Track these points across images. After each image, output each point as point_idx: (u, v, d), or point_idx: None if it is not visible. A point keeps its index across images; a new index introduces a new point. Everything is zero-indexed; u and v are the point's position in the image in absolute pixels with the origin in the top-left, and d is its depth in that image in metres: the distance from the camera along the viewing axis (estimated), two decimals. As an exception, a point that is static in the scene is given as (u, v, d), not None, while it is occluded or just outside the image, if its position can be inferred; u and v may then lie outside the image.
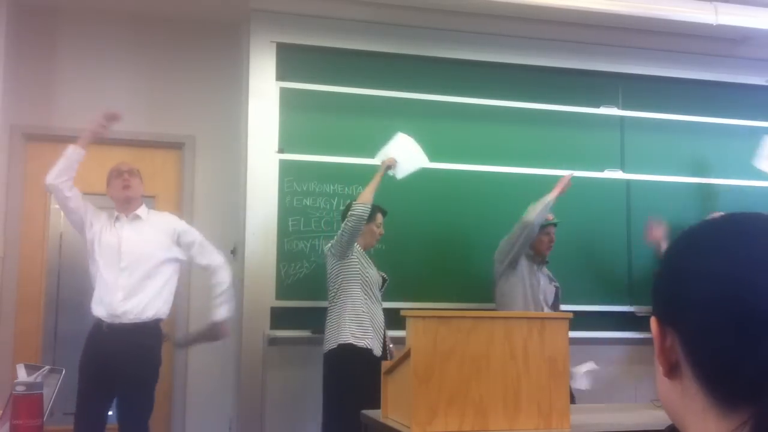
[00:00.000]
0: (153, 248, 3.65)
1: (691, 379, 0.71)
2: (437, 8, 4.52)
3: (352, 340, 3.77)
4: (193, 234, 3.77)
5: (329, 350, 3.83)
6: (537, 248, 4.20)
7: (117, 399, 3.60)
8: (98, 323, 3.57)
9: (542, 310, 4.11)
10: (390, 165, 4.03)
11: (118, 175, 3.76)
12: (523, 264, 4.14)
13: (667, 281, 0.75)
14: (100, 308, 3.56)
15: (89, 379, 3.55)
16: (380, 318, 3.92)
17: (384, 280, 4.05)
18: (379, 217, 4.05)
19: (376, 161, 4.11)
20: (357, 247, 3.96)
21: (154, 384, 3.66)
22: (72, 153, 3.60)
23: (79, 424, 3.54)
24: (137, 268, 3.59)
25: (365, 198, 3.87)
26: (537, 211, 4.00)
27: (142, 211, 3.74)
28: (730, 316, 0.67)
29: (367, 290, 3.89)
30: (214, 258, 3.74)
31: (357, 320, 3.83)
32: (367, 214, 3.85)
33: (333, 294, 3.91)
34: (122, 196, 3.70)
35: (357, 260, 3.91)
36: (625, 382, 4.76)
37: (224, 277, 3.72)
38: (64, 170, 3.58)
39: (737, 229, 0.73)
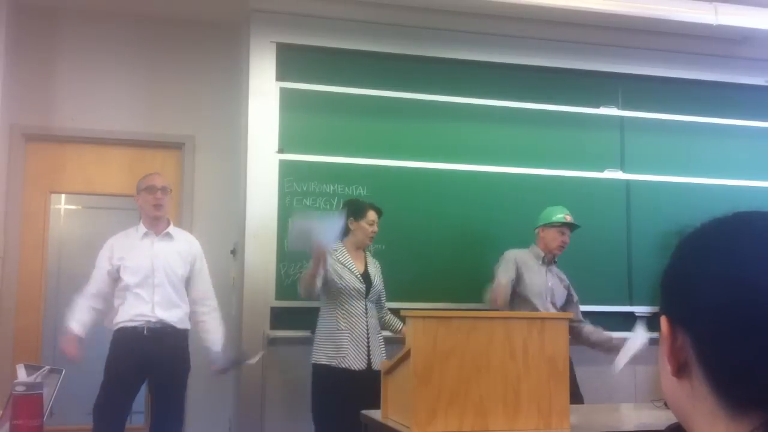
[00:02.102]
0: (178, 265, 3.85)
1: (701, 381, 0.70)
2: (437, 8, 4.52)
3: (324, 361, 3.82)
4: (203, 262, 3.97)
5: (312, 364, 3.89)
6: (548, 246, 4.15)
7: (153, 400, 3.82)
8: (135, 329, 3.69)
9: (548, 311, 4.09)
10: (323, 256, 3.71)
11: (152, 190, 3.86)
12: (532, 267, 4.11)
13: (678, 282, 0.74)
14: (136, 320, 3.69)
15: (123, 377, 3.66)
16: (361, 332, 3.84)
17: (368, 287, 3.92)
18: (371, 215, 3.98)
19: (290, 248, 4.00)
20: (343, 251, 3.93)
21: (185, 385, 3.86)
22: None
23: (107, 415, 3.65)
24: (168, 283, 3.78)
25: (303, 283, 3.83)
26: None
27: (172, 229, 3.93)
28: (743, 320, 0.66)
29: (347, 307, 3.84)
30: (212, 301, 3.94)
31: (332, 339, 3.83)
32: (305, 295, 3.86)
33: (321, 306, 3.96)
34: (152, 214, 3.85)
35: (332, 277, 3.85)
36: (625, 382, 4.76)
37: (219, 326, 3.93)
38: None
39: (748, 229, 0.72)
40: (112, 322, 3.75)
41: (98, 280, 3.75)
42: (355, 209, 4.00)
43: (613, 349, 3.86)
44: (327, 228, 3.78)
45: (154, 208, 3.83)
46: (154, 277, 3.74)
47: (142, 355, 3.67)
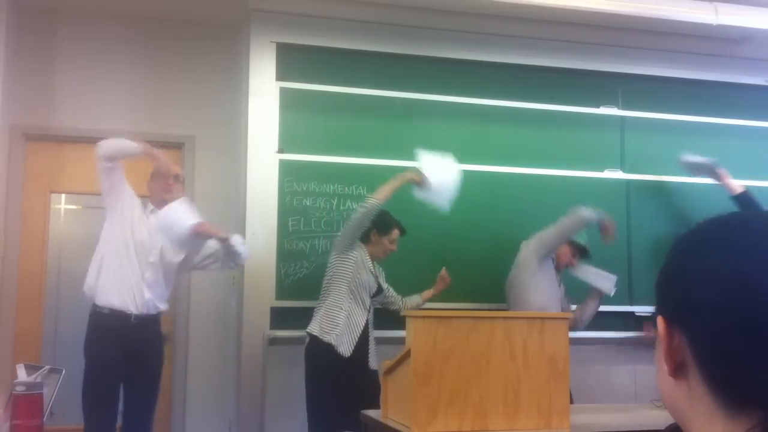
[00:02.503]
0: (174, 250, 3.84)
1: (698, 380, 0.70)
2: (437, 8, 4.51)
3: (317, 333, 3.84)
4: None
5: (306, 333, 3.92)
6: (559, 257, 4.23)
7: (128, 389, 3.75)
8: (123, 314, 3.66)
9: (560, 306, 4.16)
10: (416, 180, 3.94)
11: (165, 175, 3.91)
12: (550, 265, 4.17)
13: (674, 281, 0.74)
14: (124, 300, 3.67)
15: (113, 368, 3.64)
16: (359, 321, 3.87)
17: (378, 290, 4.02)
18: (395, 233, 4.02)
19: (418, 161, 4.01)
20: (364, 251, 3.96)
21: (161, 364, 3.89)
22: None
23: (99, 409, 3.62)
24: (161, 265, 3.78)
25: (380, 195, 3.86)
26: (590, 214, 4.05)
27: None
28: (740, 319, 0.66)
29: (354, 291, 3.88)
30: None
31: (330, 315, 3.86)
32: (376, 210, 3.84)
33: (323, 287, 3.97)
34: (161, 197, 3.88)
35: (353, 261, 3.91)
36: (625, 382, 4.76)
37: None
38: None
39: (745, 229, 0.71)
40: (94, 289, 3.68)
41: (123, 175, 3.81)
42: (381, 223, 4.01)
43: (598, 296, 4.31)
44: (446, 175, 3.97)
45: (163, 191, 3.87)
46: (149, 254, 3.75)
47: (126, 336, 3.65)
